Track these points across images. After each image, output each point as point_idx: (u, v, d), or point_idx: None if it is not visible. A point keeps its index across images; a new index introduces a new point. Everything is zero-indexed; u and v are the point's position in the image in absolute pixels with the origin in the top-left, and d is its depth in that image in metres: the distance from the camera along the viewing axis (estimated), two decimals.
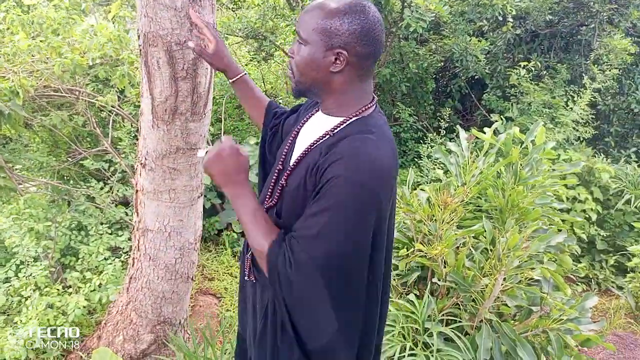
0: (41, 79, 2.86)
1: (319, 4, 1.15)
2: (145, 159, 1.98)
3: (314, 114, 1.34)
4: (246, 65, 6.19)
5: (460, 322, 2.20)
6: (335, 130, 1.19)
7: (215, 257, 3.64)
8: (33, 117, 2.86)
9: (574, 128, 4.36)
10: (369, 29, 1.14)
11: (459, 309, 2.28)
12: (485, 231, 2.27)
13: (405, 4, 4.74)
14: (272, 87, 6.10)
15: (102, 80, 3.31)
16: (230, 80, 1.60)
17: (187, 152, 1.97)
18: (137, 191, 2.10)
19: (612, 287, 4.14)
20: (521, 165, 2.60)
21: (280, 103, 5.60)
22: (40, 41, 2.83)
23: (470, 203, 2.69)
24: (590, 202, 4.15)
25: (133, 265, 2.22)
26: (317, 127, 1.26)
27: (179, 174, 2.02)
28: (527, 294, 2.19)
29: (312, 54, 1.15)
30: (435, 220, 2.39)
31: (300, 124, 1.37)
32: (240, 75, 1.60)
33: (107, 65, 2.78)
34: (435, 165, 3.87)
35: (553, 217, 2.56)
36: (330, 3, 1.14)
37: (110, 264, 2.57)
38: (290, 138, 1.36)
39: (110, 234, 2.74)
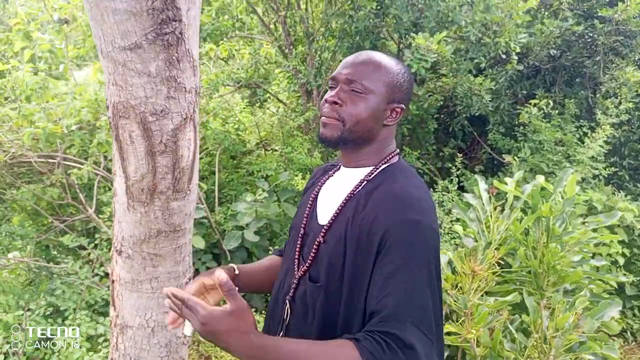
0: (13, 150, 2.60)
1: (376, 58, 1.19)
2: (122, 245, 1.68)
3: (332, 175, 1.33)
4: (240, 112, 5.98)
5: None
6: (371, 177, 1.19)
7: None
8: (2, 191, 2.57)
9: (590, 166, 4.09)
10: (412, 85, 1.24)
11: None
12: (527, 306, 1.95)
13: (402, 45, 4.57)
14: (267, 134, 5.87)
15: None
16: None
17: (171, 234, 1.67)
18: (113, 281, 1.79)
19: None
20: (552, 219, 2.31)
21: (275, 152, 5.38)
22: (11, 109, 2.58)
23: (498, 265, 2.38)
24: (616, 246, 3.84)
25: None
26: (343, 181, 1.25)
27: (162, 260, 1.71)
28: None
29: (376, 105, 1.16)
30: (462, 291, 2.07)
31: (318, 187, 1.33)
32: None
33: (85, 131, 2.52)
34: (450, 216, 3.57)
35: (594, 279, 2.25)
36: (386, 58, 1.20)
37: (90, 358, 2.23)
38: (310, 201, 1.31)
39: (90, 320, 2.41)
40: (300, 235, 1.26)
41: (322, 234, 1.18)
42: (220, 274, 0.92)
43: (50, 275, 2.71)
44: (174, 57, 1.42)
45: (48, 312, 2.43)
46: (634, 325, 3.80)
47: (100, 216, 3.05)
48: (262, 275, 1.41)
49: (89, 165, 2.57)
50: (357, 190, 1.18)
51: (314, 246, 1.18)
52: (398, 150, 1.26)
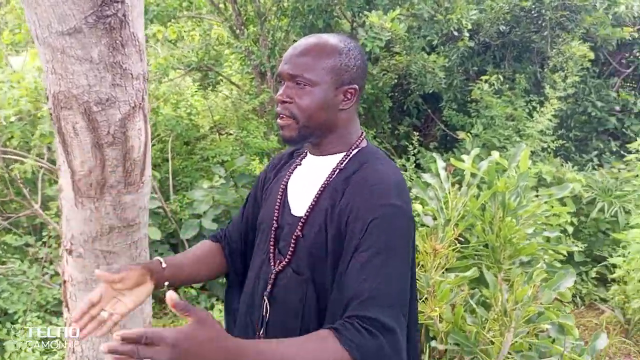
0: None
1: (317, 43, 1.13)
2: (71, 243, 1.59)
3: (299, 164, 1.28)
4: (192, 96, 5.79)
5: None
6: (343, 164, 1.16)
7: (172, 322, 3.21)
8: None
9: (539, 139, 4.22)
10: (365, 61, 1.18)
11: None
12: (487, 280, 1.99)
13: (356, 24, 4.53)
14: (221, 118, 5.72)
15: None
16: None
17: (124, 230, 1.59)
18: (64, 282, 1.69)
19: (596, 300, 3.99)
20: (507, 194, 2.36)
21: (230, 136, 5.25)
22: None
23: (457, 241, 2.42)
24: (565, 216, 3.99)
25: None
26: (313, 170, 1.21)
27: (117, 257, 1.63)
28: (538, 347, 1.93)
29: (324, 94, 1.12)
30: (424, 269, 2.10)
31: (287, 177, 1.27)
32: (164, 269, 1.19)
33: (25, 122, 2.36)
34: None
35: (547, 249, 2.33)
36: (330, 40, 1.14)
37: None
38: (279, 192, 1.25)
39: (42, 322, 2.29)
40: (273, 229, 1.21)
41: (299, 227, 1.14)
42: (171, 295, 0.81)
43: None
44: (117, 42, 1.33)
45: None
46: (582, 290, 3.99)
47: (47, 212, 2.89)
48: (191, 267, 1.30)
49: (32, 157, 2.42)
50: (332, 178, 1.15)
51: (292, 240, 1.15)
52: (364, 133, 1.23)
